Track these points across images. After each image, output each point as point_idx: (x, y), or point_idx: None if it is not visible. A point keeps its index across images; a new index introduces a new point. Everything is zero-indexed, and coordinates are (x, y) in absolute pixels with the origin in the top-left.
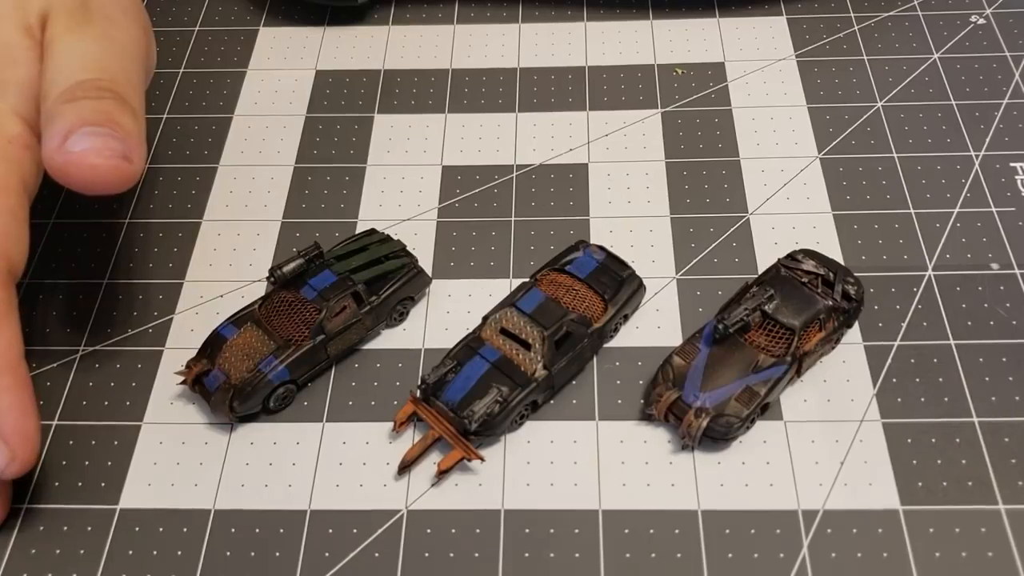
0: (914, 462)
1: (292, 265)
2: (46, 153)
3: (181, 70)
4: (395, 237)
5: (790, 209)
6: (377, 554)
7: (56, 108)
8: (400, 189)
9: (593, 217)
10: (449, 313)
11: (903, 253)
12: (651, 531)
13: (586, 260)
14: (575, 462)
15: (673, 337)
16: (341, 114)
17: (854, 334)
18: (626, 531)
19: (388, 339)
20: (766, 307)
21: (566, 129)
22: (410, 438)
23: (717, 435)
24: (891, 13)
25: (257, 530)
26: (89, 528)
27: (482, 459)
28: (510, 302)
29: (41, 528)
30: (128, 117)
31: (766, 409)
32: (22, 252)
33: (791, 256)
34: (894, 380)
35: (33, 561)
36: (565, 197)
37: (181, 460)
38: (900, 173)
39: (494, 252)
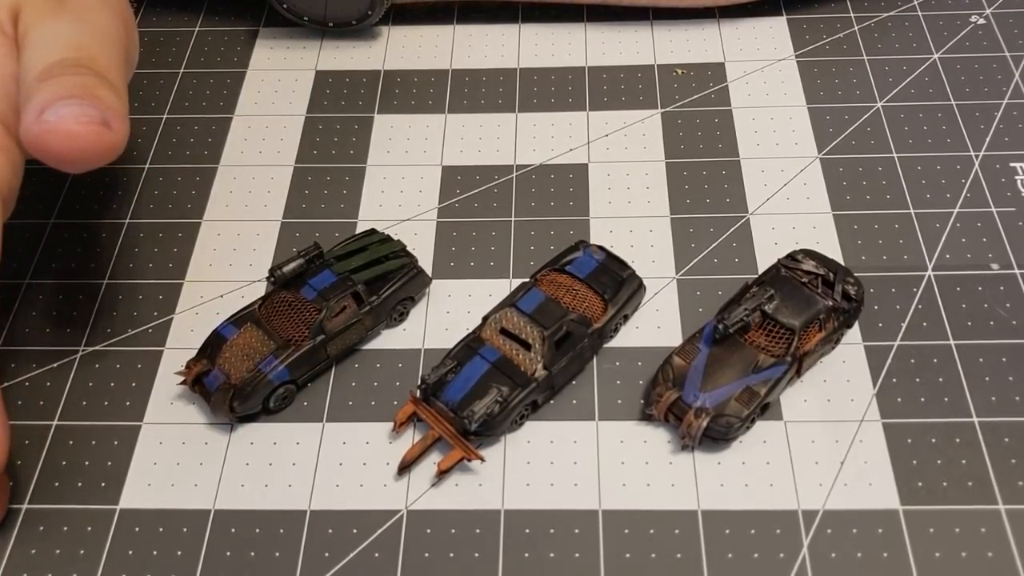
0: (914, 462)
1: (292, 265)
2: (23, 128)
3: (181, 70)
4: (395, 237)
5: (790, 209)
6: (377, 554)
7: (34, 87)
8: (400, 189)
9: (593, 217)
10: (449, 313)
11: (903, 253)
12: (651, 531)
13: (586, 260)
14: (575, 462)
15: (673, 337)
16: (341, 114)
17: (854, 334)
18: (626, 531)
19: (388, 339)
20: (766, 307)
21: (566, 129)
22: (410, 438)
23: (717, 435)
24: (891, 13)
25: (257, 530)
26: (89, 528)
27: (482, 459)
28: (510, 302)
29: (41, 528)
30: (107, 91)
31: (766, 409)
32: None
33: (791, 256)
34: (894, 380)
35: (33, 561)
36: (565, 197)
37: (181, 460)
38: (900, 173)
39: (494, 252)
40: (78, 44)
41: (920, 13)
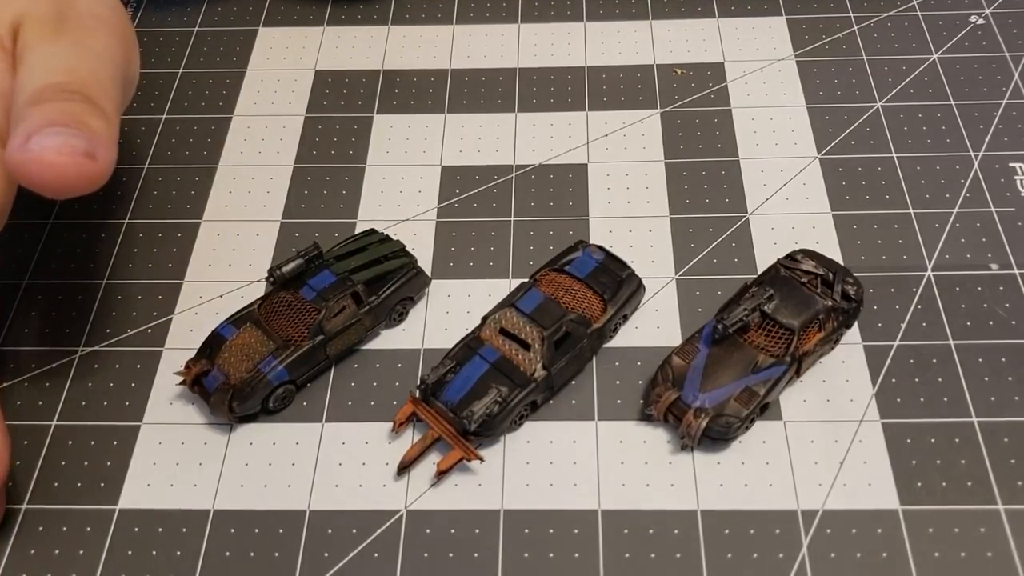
0: (913, 462)
1: (291, 265)
2: (8, 153)
3: (181, 70)
4: (394, 237)
5: (789, 209)
6: (376, 554)
7: (23, 111)
8: (399, 189)
9: (592, 217)
10: (448, 313)
11: (902, 253)
12: (650, 531)
13: (585, 260)
14: (574, 462)
15: (672, 337)
16: (340, 114)
17: (853, 334)
18: (625, 531)
19: (387, 339)
20: (765, 307)
21: (565, 129)
22: (409, 438)
23: (716, 435)
24: (890, 13)
25: (256, 530)
26: (88, 528)
27: (481, 459)
28: (509, 302)
29: (40, 528)
30: (96, 119)
31: (765, 409)
32: None
33: (790, 256)
34: (893, 380)
35: (32, 561)
36: (564, 197)
37: (180, 460)
38: (899, 173)
39: (493, 252)
40: (72, 69)
41: (919, 13)
